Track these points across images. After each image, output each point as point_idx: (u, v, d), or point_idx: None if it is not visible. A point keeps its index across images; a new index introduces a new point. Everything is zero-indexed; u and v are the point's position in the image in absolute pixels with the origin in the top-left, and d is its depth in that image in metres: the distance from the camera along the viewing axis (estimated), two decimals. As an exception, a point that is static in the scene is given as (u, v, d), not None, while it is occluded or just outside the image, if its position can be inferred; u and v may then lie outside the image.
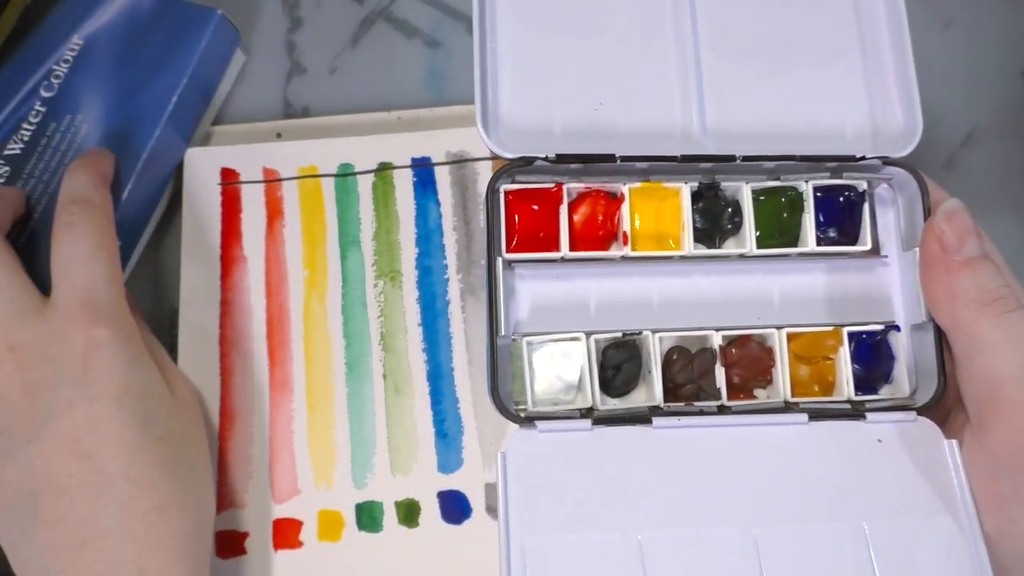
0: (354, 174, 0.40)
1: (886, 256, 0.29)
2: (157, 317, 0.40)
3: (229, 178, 0.40)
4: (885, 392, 0.29)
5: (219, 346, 0.38)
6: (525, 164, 0.27)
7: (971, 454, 0.27)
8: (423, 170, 0.39)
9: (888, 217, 0.30)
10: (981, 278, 0.27)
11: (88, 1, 0.39)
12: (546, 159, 0.27)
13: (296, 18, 0.44)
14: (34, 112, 0.38)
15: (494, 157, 0.28)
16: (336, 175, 0.40)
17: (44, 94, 0.38)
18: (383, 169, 0.39)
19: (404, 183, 0.39)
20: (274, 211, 0.39)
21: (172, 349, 0.39)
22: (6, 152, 0.38)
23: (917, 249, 0.28)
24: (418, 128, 0.41)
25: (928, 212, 0.29)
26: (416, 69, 0.43)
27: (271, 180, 0.40)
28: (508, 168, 0.27)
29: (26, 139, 0.38)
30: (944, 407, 0.29)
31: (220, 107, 0.42)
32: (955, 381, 0.28)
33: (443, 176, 0.39)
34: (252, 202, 0.39)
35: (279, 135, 0.42)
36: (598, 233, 0.28)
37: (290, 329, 0.38)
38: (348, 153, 0.40)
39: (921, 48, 0.42)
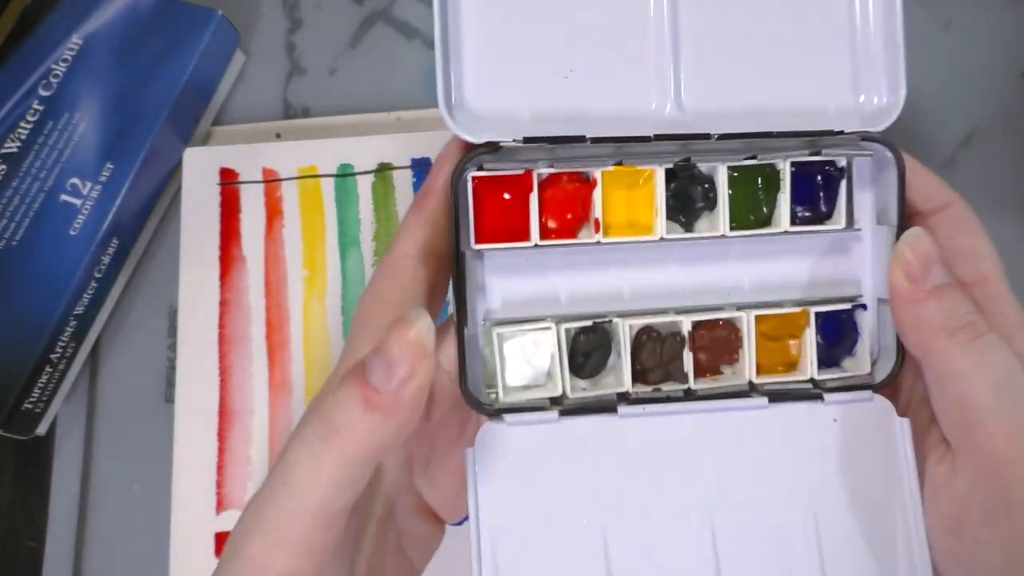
0: (354, 174, 0.40)
1: (859, 229, 0.29)
2: (156, 318, 0.40)
3: (228, 178, 0.40)
4: (848, 365, 0.29)
5: (218, 346, 0.38)
6: (492, 149, 0.26)
7: (945, 476, 0.27)
8: (423, 170, 0.39)
9: (865, 193, 0.30)
10: (948, 305, 0.26)
11: (88, 1, 0.39)
12: (513, 142, 0.26)
13: (296, 19, 0.44)
14: (32, 111, 0.38)
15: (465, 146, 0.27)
16: (336, 175, 0.40)
17: (43, 93, 0.38)
18: (383, 169, 0.39)
19: (404, 183, 0.39)
20: (273, 211, 0.39)
21: (172, 349, 0.39)
22: (3, 151, 0.37)
23: (888, 227, 0.28)
24: (418, 128, 0.40)
25: (903, 188, 0.28)
26: (416, 70, 0.43)
27: (270, 180, 0.40)
28: (474, 155, 0.25)
29: (23, 137, 0.37)
30: (924, 419, 0.29)
31: (220, 107, 0.42)
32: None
33: (443, 176, 0.39)
34: (251, 202, 0.39)
35: (279, 135, 0.41)
36: (569, 219, 0.27)
37: (290, 329, 0.38)
38: (348, 153, 0.40)
39: (921, 48, 0.43)
